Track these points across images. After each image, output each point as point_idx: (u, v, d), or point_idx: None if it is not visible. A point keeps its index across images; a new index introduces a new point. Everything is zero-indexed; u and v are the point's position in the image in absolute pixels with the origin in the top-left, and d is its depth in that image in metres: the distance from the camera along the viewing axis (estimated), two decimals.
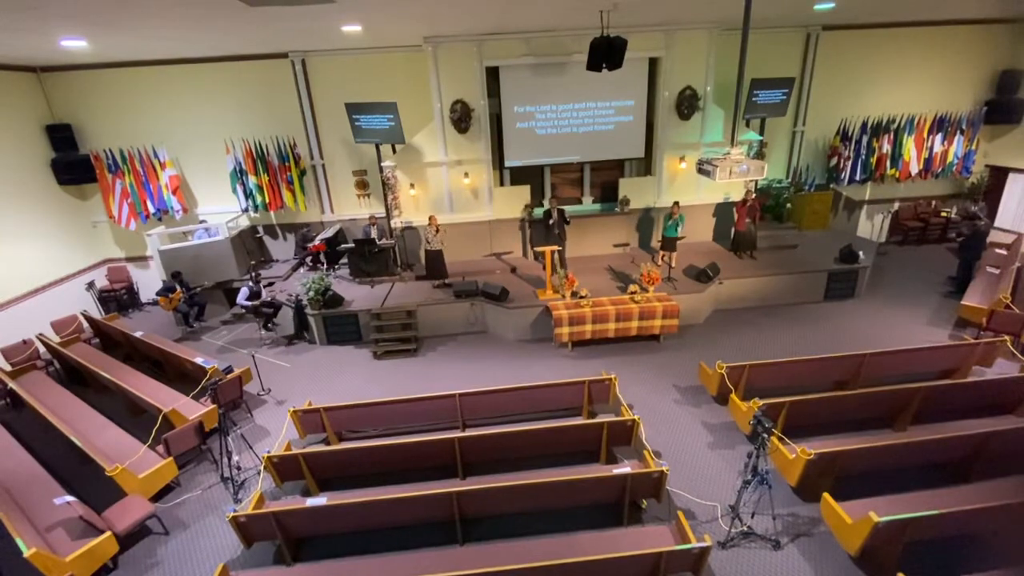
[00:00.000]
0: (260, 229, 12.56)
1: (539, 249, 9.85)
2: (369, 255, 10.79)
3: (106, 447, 6.60)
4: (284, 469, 6.01)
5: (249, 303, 9.88)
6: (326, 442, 6.94)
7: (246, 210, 11.79)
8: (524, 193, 11.47)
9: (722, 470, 6.18)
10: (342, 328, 9.83)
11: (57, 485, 6.10)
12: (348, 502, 5.23)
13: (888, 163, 12.46)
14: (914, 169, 12.51)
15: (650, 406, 7.36)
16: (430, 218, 10.33)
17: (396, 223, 11.17)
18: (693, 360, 8.27)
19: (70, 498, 5.50)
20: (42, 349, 9.55)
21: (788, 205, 12.18)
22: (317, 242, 11.45)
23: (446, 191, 11.23)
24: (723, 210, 11.89)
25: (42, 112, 10.93)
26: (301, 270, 11.76)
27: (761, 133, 11.77)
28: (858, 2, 9.23)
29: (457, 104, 10.43)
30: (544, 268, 9.79)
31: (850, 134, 12.34)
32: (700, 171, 7.58)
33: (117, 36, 8.25)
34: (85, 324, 10.35)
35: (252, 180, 11.45)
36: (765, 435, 4.91)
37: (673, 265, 10.24)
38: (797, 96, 12.17)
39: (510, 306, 9.54)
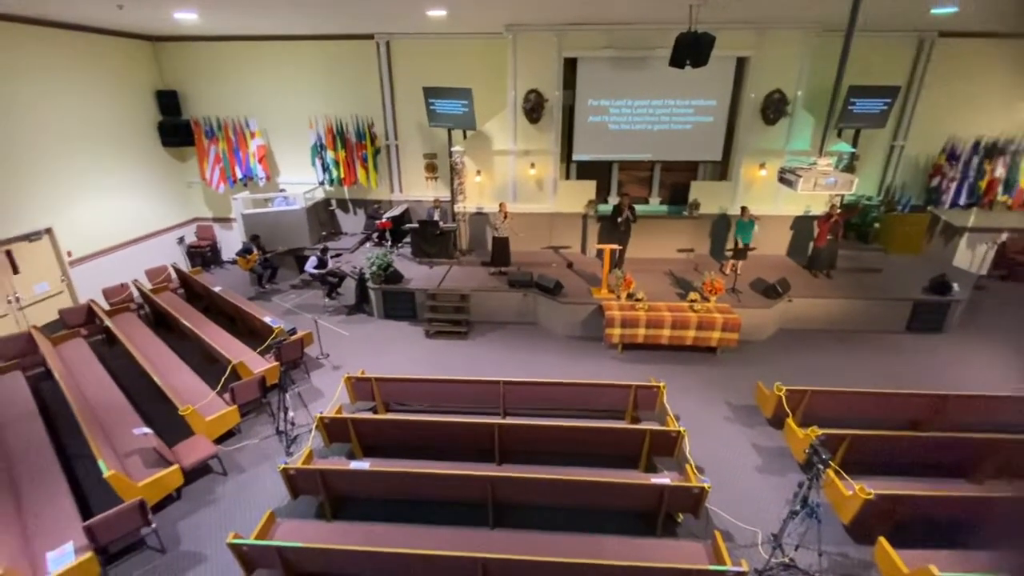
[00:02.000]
0: (333, 202, 13.20)
1: (599, 246, 9.71)
2: (431, 236, 11.08)
3: (181, 388, 7.25)
4: (333, 430, 6.35)
5: (316, 271, 10.44)
6: (374, 410, 7.26)
7: (322, 183, 12.43)
8: (589, 188, 11.33)
9: (768, 496, 5.89)
10: (399, 304, 10.19)
11: (137, 417, 6.76)
12: (389, 470, 5.45)
13: (1000, 188, 11.21)
14: None
15: (698, 419, 7.12)
16: (500, 205, 10.45)
17: (460, 208, 11.38)
18: (750, 378, 7.91)
19: (147, 430, 6.09)
20: (136, 293, 10.58)
21: (876, 225, 11.29)
22: (384, 219, 11.89)
23: (511, 180, 11.29)
24: (802, 224, 11.19)
25: (154, 78, 12.02)
26: (367, 245, 12.27)
27: (854, 145, 10.92)
28: (983, 7, 8.30)
29: (531, 94, 10.43)
30: (602, 266, 9.65)
31: (958, 153, 11.20)
32: (781, 180, 7.17)
33: (225, 11, 8.89)
34: (173, 275, 11.35)
35: (330, 155, 12.04)
36: (821, 466, 4.62)
37: (739, 274, 9.80)
38: (900, 107, 11.18)
39: (563, 300, 9.50)
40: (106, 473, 5.23)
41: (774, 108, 10.23)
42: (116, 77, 10.97)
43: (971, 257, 12.32)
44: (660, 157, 11.23)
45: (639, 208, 11.30)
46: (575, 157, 11.32)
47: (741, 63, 10.29)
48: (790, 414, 6.51)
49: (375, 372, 7.28)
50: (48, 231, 9.64)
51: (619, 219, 10.06)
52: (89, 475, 5.85)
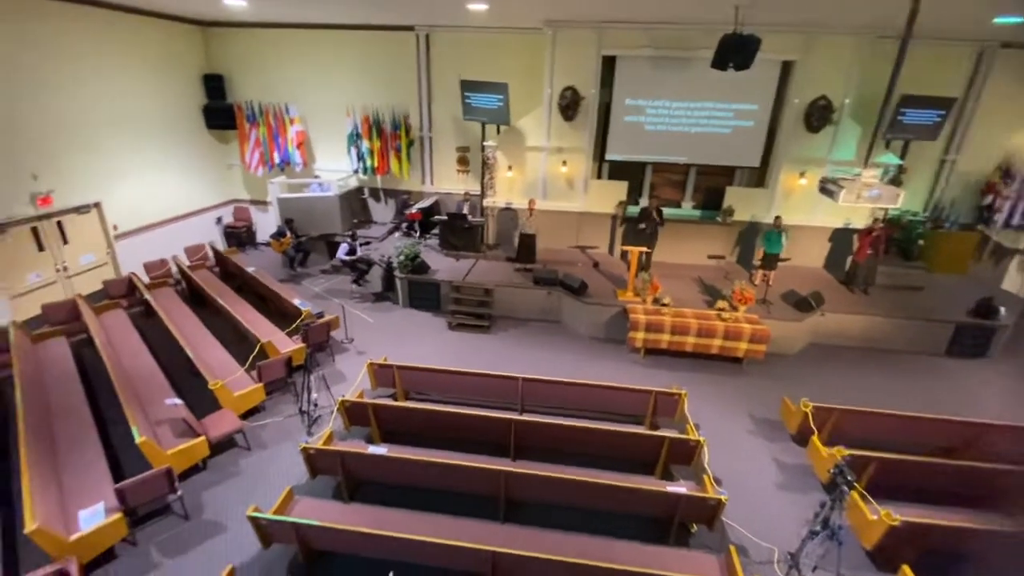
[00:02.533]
0: (366, 191, 13.41)
1: (626, 248, 9.60)
2: (459, 229, 11.15)
3: (212, 363, 7.51)
4: (354, 414, 6.48)
5: (348, 258, 10.64)
6: (394, 397, 7.37)
7: (356, 171, 12.64)
8: (620, 189, 11.20)
9: (787, 514, 5.74)
10: (424, 294, 10.30)
11: (169, 388, 7.05)
12: (406, 457, 5.53)
13: None
14: None
15: (719, 430, 7.00)
16: (530, 201, 10.45)
17: (489, 202, 11.40)
18: (776, 392, 7.72)
19: (178, 400, 6.34)
20: (175, 269, 10.98)
21: (921, 241, 10.83)
22: (414, 210, 12.02)
23: (542, 177, 11.26)
24: (841, 236, 10.81)
25: (202, 62, 12.41)
26: (396, 234, 12.43)
27: (902, 157, 10.49)
28: None
29: (568, 91, 10.35)
30: (628, 268, 9.55)
31: (1014, 172, 10.62)
32: (823, 190, 6.94)
33: None
34: (210, 253, 11.73)
35: (365, 144, 12.23)
36: (845, 487, 4.48)
37: (770, 284, 9.56)
38: (955, 120, 10.67)
39: (587, 301, 9.44)
40: (138, 439, 5.46)
41: (819, 115, 9.89)
42: (166, 60, 11.37)
43: (1021, 281, 11.68)
44: (696, 161, 11.03)
45: (671, 212, 11.15)
46: (608, 156, 11.20)
47: (786, 67, 10.00)
48: (816, 431, 6.33)
49: (397, 360, 7.39)
50: (97, 205, 10.08)
51: (642, 224, 9.92)
52: (122, 440, 6.12)
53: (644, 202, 11.51)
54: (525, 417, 6.41)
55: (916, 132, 10.13)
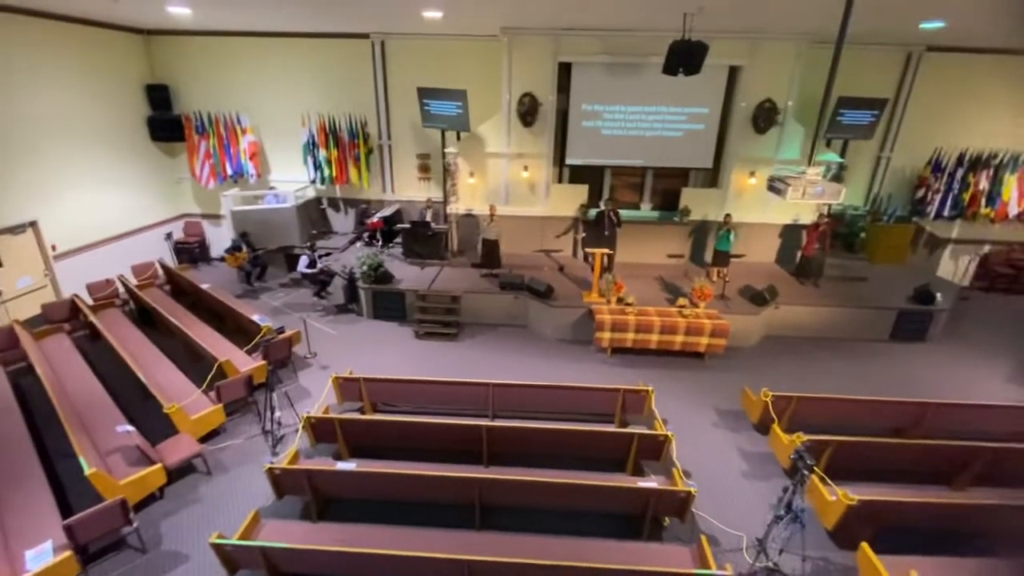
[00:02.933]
0: (324, 201, 13.11)
1: (590, 250, 9.76)
2: (423, 237, 11.05)
3: (166, 386, 7.15)
4: (320, 430, 6.30)
5: (310, 271, 10.36)
6: (361, 411, 7.21)
7: (314, 181, 12.34)
8: (581, 192, 11.39)
9: (754, 501, 5.94)
10: (389, 304, 10.15)
11: (120, 414, 6.66)
12: (376, 471, 5.43)
13: (983, 201, 11.45)
14: (1013, 210, 11.42)
15: (685, 424, 7.17)
16: (490, 207, 10.47)
17: (452, 209, 11.37)
18: (737, 384, 7.98)
19: (130, 427, 6.00)
20: (121, 289, 10.41)
21: (862, 235, 11.45)
22: (375, 219, 11.84)
23: (504, 183, 11.31)
24: (790, 232, 11.33)
25: (144, 72, 11.87)
26: (358, 244, 12.20)
27: (842, 155, 11.09)
28: (971, 23, 8.49)
29: (526, 97, 10.47)
30: (593, 270, 9.70)
31: (944, 165, 11.42)
32: (771, 188, 7.23)
33: (218, 7, 8.82)
34: (160, 271, 11.20)
35: (323, 153, 11.97)
36: (805, 472, 4.68)
37: (727, 280, 9.90)
38: (888, 119, 11.38)
39: (554, 304, 9.52)
40: (87, 471, 5.14)
41: (765, 117, 10.34)
42: (106, 70, 10.81)
43: (954, 268, 12.55)
44: (652, 163, 11.31)
45: (630, 213, 11.39)
46: (568, 161, 11.37)
47: (733, 72, 10.41)
48: (776, 420, 6.56)
49: (363, 372, 7.23)
50: (33, 224, 9.47)
51: (605, 230, 10.11)
52: (70, 473, 5.74)
53: (603, 204, 11.73)
54: (496, 423, 6.40)
55: (853, 131, 10.74)
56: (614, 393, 6.85)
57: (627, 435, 6.05)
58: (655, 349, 8.89)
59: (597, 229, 10.36)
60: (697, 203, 11.22)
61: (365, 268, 9.92)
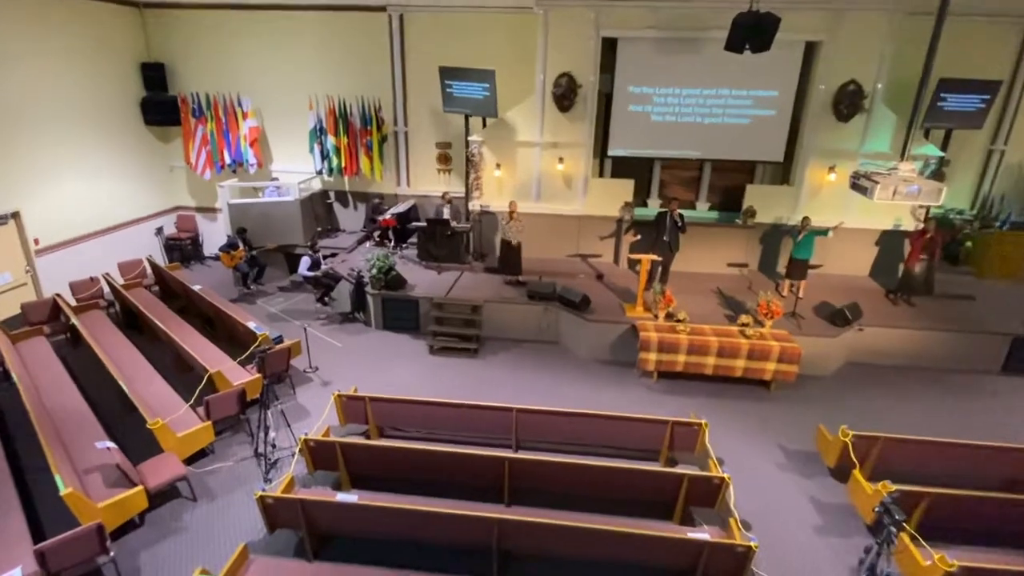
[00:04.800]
0: (331, 195, 13.45)
1: (635, 256, 9.69)
2: (440, 237, 11.19)
3: (150, 398, 7.40)
4: (319, 455, 6.40)
5: (311, 273, 10.61)
6: (366, 435, 7.30)
7: (320, 172, 12.70)
8: (626, 188, 11.34)
9: (827, 561, 5.74)
10: (400, 313, 10.29)
11: (100, 429, 6.92)
12: (381, 505, 5.47)
13: None
14: None
15: (746, 465, 7.02)
16: (510, 203, 10.51)
17: (474, 205, 11.48)
18: (810, 419, 7.76)
19: (110, 444, 6.23)
20: (106, 289, 10.89)
21: (968, 244, 11.03)
22: (387, 216, 12.06)
23: (535, 176, 11.38)
24: (889, 240, 10.96)
25: (139, 49, 12.50)
26: (367, 244, 12.45)
27: (943, 148, 10.75)
28: None
29: (563, 78, 10.52)
30: (638, 279, 9.62)
31: None
32: (854, 187, 7.10)
33: None
34: (149, 270, 11.66)
35: (331, 141, 12.31)
36: (893, 529, 4.51)
37: (801, 296, 9.67)
38: (1002, 106, 10.99)
39: (590, 318, 9.48)
40: (63, 491, 5.34)
41: (848, 102, 10.13)
42: (97, 46, 11.42)
43: None
44: (710, 155, 11.21)
45: (684, 214, 11.21)
46: (611, 152, 11.37)
47: (810, 49, 10.25)
48: (857, 465, 6.35)
49: (369, 390, 7.33)
50: (15, 215, 10.01)
51: (664, 232, 9.98)
52: (44, 491, 5.98)
53: (653, 203, 11.65)
54: (521, 455, 6.39)
55: (958, 120, 10.41)
56: (660, 425, 6.76)
57: (675, 476, 5.94)
58: (711, 375, 8.75)
59: (653, 232, 10.28)
60: (765, 202, 11.03)
61: (374, 271, 10.09)
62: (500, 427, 7.00)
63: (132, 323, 10.22)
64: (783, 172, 11.38)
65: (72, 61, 10.91)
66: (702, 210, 11.89)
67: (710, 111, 10.75)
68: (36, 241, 10.37)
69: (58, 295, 10.01)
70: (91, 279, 10.76)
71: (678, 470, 6.09)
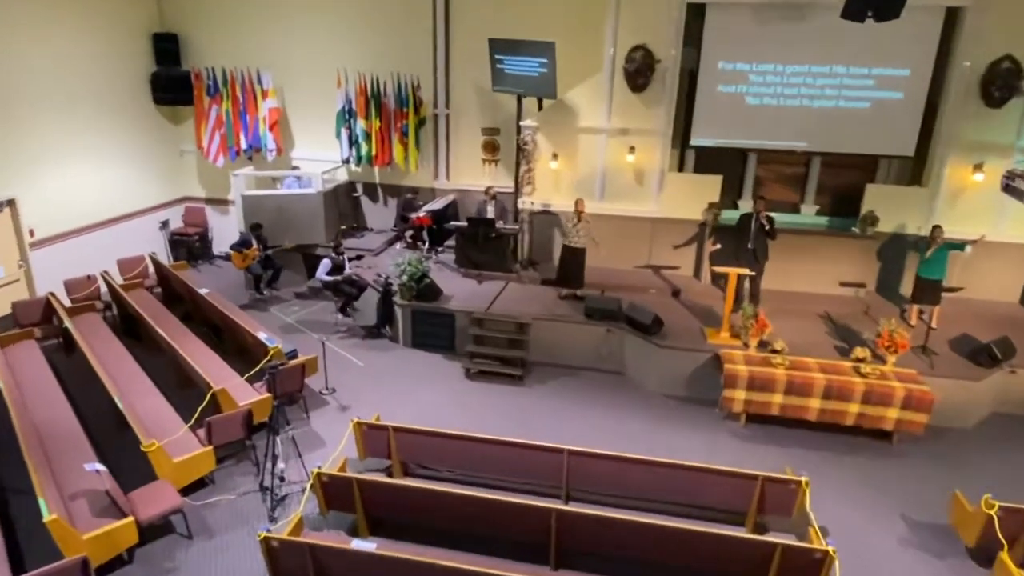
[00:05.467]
0: (359, 188, 13.84)
1: (721, 270, 9.54)
2: (483, 240, 11.32)
3: (146, 417, 7.75)
4: (333, 493, 6.53)
5: (329, 278, 10.90)
6: (389, 472, 7.41)
7: (347, 161, 13.10)
8: (712, 186, 11.22)
9: None
10: (433, 329, 10.45)
11: (90, 448, 7.29)
12: (403, 557, 5.50)
13: None
14: None
15: (858, 538, 6.75)
16: (577, 202, 10.55)
17: (524, 203, 11.55)
18: (942, 483, 7.43)
19: (100, 467, 6.55)
20: (104, 289, 11.52)
21: None
22: (422, 213, 12.28)
23: (599, 169, 11.41)
24: None
25: (151, 18, 13.29)
26: (397, 245, 12.72)
27: None
28: None
29: (637, 52, 10.54)
30: (724, 298, 9.46)
31: None
32: (1007, 189, 6.81)
33: None
34: (151, 269, 12.28)
35: (361, 124, 12.69)
36: None
37: (934, 327, 9.32)
38: None
39: (662, 343, 9.39)
40: (47, 517, 5.62)
41: (1002, 83, 9.77)
42: (104, 14, 12.20)
43: None
44: (820, 147, 11.04)
45: (785, 219, 11.04)
46: (694, 141, 11.31)
47: (952, 17, 9.96)
48: (1006, 545, 6.01)
49: (394, 419, 7.45)
50: (10, 203, 10.75)
51: (749, 239, 9.84)
52: (27, 515, 6.32)
53: (746, 204, 11.42)
54: (572, 507, 6.32)
55: None
56: (749, 481, 6.60)
57: (765, 545, 5.76)
58: (814, 421, 8.55)
59: (737, 240, 10.13)
60: (889, 207, 10.71)
61: (404, 279, 10.28)
62: (548, 471, 6.97)
63: (130, 329, 10.77)
64: (913, 170, 11.06)
65: (76, 30, 11.69)
66: (808, 214, 11.66)
67: (821, 93, 10.57)
68: (31, 232, 11.08)
69: (52, 294, 10.65)
70: (88, 277, 11.41)
71: (769, 538, 5.91)
